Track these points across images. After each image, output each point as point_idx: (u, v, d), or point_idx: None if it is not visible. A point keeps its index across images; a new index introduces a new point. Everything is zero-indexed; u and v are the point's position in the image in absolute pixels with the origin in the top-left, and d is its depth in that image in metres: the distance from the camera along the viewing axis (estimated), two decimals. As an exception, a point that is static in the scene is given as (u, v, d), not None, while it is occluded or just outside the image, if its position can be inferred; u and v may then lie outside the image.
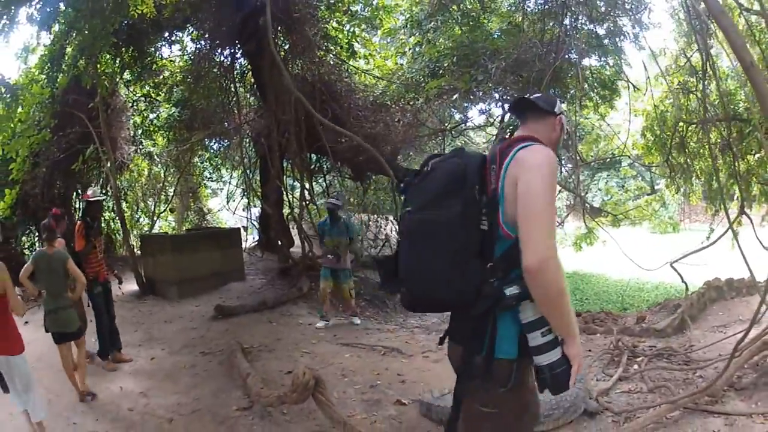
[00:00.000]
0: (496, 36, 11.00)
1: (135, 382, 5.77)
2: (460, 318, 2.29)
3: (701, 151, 11.45)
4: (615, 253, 10.14)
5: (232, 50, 10.51)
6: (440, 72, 10.75)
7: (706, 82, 8.88)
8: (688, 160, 11.47)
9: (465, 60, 10.31)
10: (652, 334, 7.47)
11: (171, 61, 11.99)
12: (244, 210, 13.75)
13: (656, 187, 13.87)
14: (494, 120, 13.26)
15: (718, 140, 10.86)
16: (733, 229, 7.11)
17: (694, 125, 10.95)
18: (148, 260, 10.14)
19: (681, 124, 11.06)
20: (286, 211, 11.59)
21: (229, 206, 14.24)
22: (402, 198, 2.37)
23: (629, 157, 14.43)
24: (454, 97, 11.21)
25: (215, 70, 10.92)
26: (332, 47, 11.08)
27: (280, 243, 11.16)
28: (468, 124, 14.12)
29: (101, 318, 6.28)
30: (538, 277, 1.94)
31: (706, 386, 4.68)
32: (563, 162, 13.81)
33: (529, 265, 1.93)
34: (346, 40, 11.24)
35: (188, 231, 12.99)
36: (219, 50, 10.67)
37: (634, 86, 10.98)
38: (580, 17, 10.39)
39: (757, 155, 10.21)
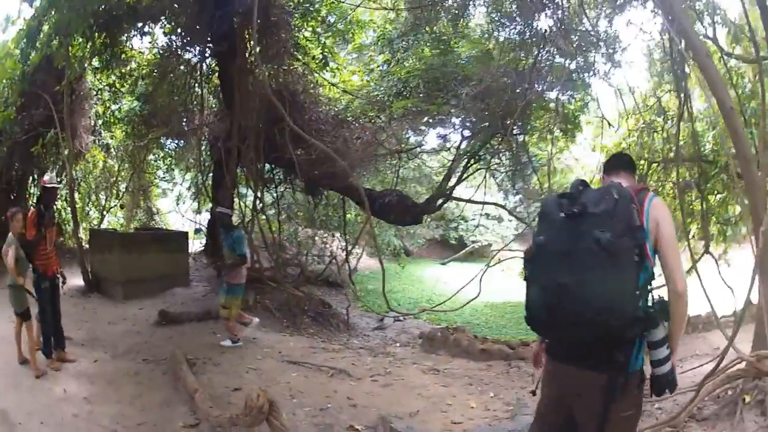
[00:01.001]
0: (465, 62, 11.37)
1: (78, 386, 5.60)
2: (595, 343, 2.59)
3: (661, 189, 12.10)
4: None
5: (202, 49, 10.38)
6: (408, 92, 11.01)
7: (677, 122, 9.49)
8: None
9: (435, 83, 10.62)
10: None
11: (140, 52, 11.80)
12: (193, 214, 13.67)
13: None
14: (451, 145, 13.68)
15: (681, 180, 11.57)
16: (696, 267, 7.40)
17: (656, 164, 11.59)
18: (96, 256, 9.90)
19: (642, 161, 11.69)
20: (236, 219, 11.47)
21: (178, 208, 14.11)
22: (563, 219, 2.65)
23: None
24: (425, 119, 11.50)
25: (182, 67, 10.80)
26: (302, 57, 11.06)
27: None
28: (424, 147, 14.41)
29: (45, 315, 6.08)
30: (683, 298, 2.62)
31: (671, 417, 4.91)
32: (516, 192, 14.33)
33: (679, 289, 2.61)
34: (319, 50, 11.32)
35: (136, 230, 12.80)
36: (189, 47, 10.53)
37: (609, 122, 11.52)
38: (552, 51, 10.89)
39: (719, 196, 10.94)
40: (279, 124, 9.98)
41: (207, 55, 10.49)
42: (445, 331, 9.52)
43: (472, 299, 10.52)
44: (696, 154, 10.29)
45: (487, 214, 26.28)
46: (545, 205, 2.84)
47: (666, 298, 2.65)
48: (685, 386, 5.13)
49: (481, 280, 10.56)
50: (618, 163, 3.15)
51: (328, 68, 11.73)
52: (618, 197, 2.58)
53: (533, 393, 3.08)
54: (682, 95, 8.90)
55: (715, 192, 10.96)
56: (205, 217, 13.10)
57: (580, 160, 16.01)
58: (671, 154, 10.79)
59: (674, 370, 2.70)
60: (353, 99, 11.85)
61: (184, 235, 11.29)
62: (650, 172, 11.78)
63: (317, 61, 10.85)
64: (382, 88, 11.38)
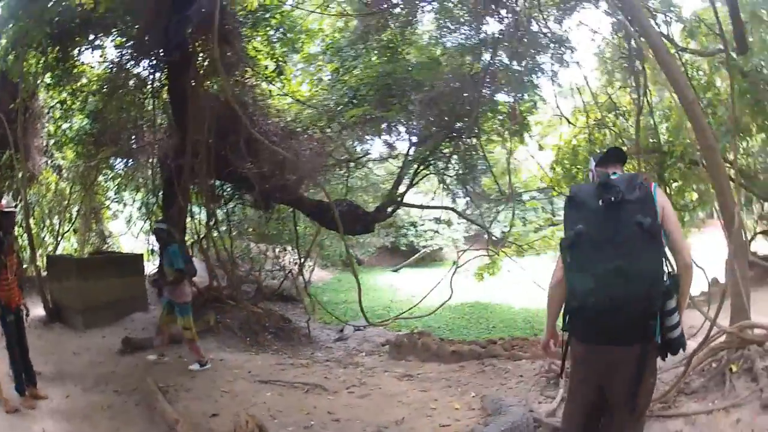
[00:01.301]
0: (413, 68, 11.38)
1: (55, 424, 5.28)
2: (631, 318, 2.90)
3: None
4: (517, 282, 10.70)
5: (153, 61, 10.02)
6: (359, 101, 10.94)
7: (636, 116, 9.81)
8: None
9: (387, 90, 10.60)
10: None
11: (91, 67, 11.27)
12: (145, 235, 13.16)
13: (560, 219, 14.80)
14: (399, 152, 13.67)
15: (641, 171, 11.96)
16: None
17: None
18: (54, 284, 9.33)
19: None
20: (188, 238, 11.16)
21: (130, 230, 13.57)
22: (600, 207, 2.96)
23: (538, 189, 15.36)
24: (378, 126, 11.46)
25: (131, 82, 10.39)
26: (252, 67, 10.82)
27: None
28: (371, 156, 14.37)
29: (13, 350, 5.65)
30: (690, 269, 3.09)
31: (662, 394, 5.04)
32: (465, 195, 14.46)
33: (688, 262, 3.07)
34: (272, 60, 11.11)
35: (91, 255, 12.18)
36: (140, 59, 10.13)
37: (569, 120, 11.77)
38: (500, 54, 11.05)
39: (675, 184, 11.33)
40: (230, 137, 9.76)
41: (158, 66, 10.08)
42: (412, 336, 9.44)
43: (445, 301, 10.60)
44: (654, 146, 10.64)
45: (437, 219, 26.50)
46: (578, 195, 3.10)
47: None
48: (668, 364, 5.26)
49: (450, 282, 10.68)
50: (613, 156, 3.54)
51: (282, 77, 11.52)
52: (643, 185, 3.00)
53: (559, 376, 3.95)
54: (641, 90, 9.17)
55: (671, 180, 11.34)
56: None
57: (528, 160, 16.30)
58: (624, 148, 11.15)
59: (683, 333, 3.07)
60: (303, 109, 11.69)
61: (138, 258, 10.83)
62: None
63: (270, 71, 10.60)
64: (333, 98, 11.26)
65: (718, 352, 5.40)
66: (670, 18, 9.49)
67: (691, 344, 5.45)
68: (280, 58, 11.22)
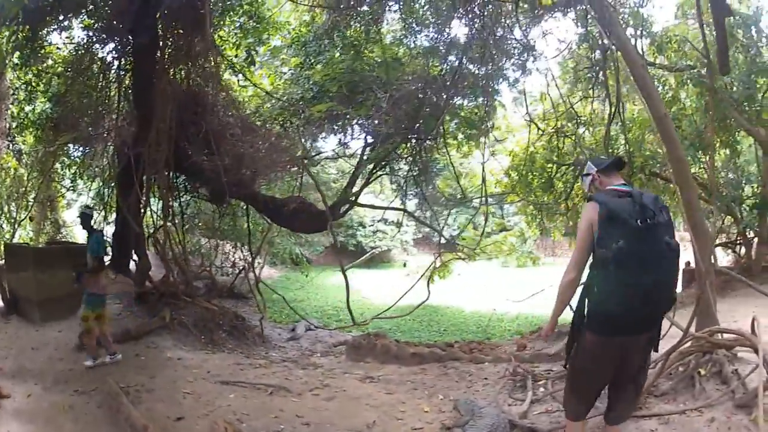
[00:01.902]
0: (375, 67, 11.24)
1: (20, 426, 4.93)
2: (654, 315, 3.62)
3: (570, 191, 12.67)
4: (468, 286, 10.72)
5: (120, 44, 9.42)
6: (323, 96, 10.71)
7: (606, 126, 9.95)
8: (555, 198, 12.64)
9: (353, 87, 10.41)
10: (544, 359, 7.98)
11: (58, 48, 10.53)
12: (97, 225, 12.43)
13: (511, 224, 15.04)
14: (354, 152, 13.51)
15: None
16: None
17: (565, 166, 12.11)
18: (11, 274, 8.68)
19: (550, 165, 12.16)
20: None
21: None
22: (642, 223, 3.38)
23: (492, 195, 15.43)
24: (346, 122, 11.24)
25: (95, 66, 9.72)
26: (219, 57, 10.33)
27: (137, 264, 10.28)
28: (326, 153, 14.17)
29: None
30: None
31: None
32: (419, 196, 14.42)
33: None
34: (245, 47, 10.68)
35: (47, 244, 11.37)
36: (107, 41, 9.49)
37: (538, 127, 11.82)
38: (464, 58, 11.03)
39: None
40: (190, 128, 9.36)
41: (124, 50, 9.49)
42: (370, 338, 9.24)
43: (423, 302, 10.52)
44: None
45: (385, 220, 26.44)
46: (619, 212, 3.41)
47: None
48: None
49: (428, 283, 10.56)
50: (617, 165, 3.99)
51: (252, 66, 11.13)
52: (666, 208, 3.55)
53: (565, 366, 4.08)
54: (614, 100, 9.33)
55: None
56: (110, 229, 11.98)
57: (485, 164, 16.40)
58: (581, 157, 11.35)
59: None
60: (263, 103, 11.35)
61: None
62: (557, 175, 12.30)
63: (236, 61, 10.21)
64: (299, 92, 10.98)
65: (686, 356, 5.55)
66: (641, 32, 9.66)
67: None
68: (253, 47, 10.83)
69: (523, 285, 14.91)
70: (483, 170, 11.91)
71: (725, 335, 5.74)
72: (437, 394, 6.78)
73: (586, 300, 3.66)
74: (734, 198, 11.89)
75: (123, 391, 5.56)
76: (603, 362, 3.68)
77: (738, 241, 12.95)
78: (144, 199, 9.97)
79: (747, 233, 12.85)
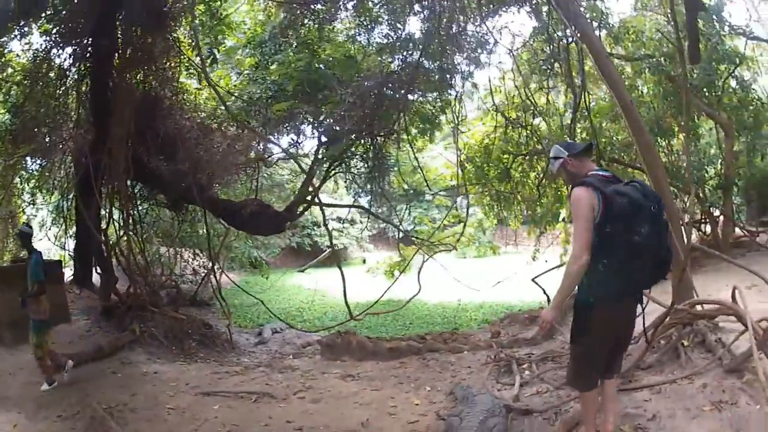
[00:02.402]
0: (329, 65, 11.06)
1: None
2: (649, 279, 4.03)
3: (525, 179, 12.82)
4: (428, 279, 10.67)
5: (77, 49, 8.89)
6: (281, 95, 10.45)
7: (572, 116, 10.05)
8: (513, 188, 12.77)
9: (313, 85, 10.19)
10: (523, 344, 8.11)
11: (17, 56, 9.86)
12: (58, 240, 11.75)
13: (469, 216, 15.09)
14: (309, 151, 13.29)
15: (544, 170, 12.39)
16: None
17: (521, 156, 12.23)
18: None
19: (506, 156, 12.25)
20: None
21: (47, 235, 12.06)
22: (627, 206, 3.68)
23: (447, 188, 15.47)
24: (310, 120, 10.98)
25: (52, 72, 9.12)
26: (177, 58, 9.95)
27: (101, 277, 9.78)
28: (280, 155, 13.86)
29: None
30: None
31: (623, 370, 5.15)
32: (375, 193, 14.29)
33: None
34: (205, 47, 10.25)
35: (12, 262, 10.61)
36: (63, 47, 8.86)
37: (507, 118, 11.79)
38: (418, 54, 10.95)
39: None
40: (148, 134, 8.96)
41: (83, 55, 8.93)
42: (344, 336, 9.06)
43: (414, 295, 10.63)
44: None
45: (340, 218, 26.15)
46: (638, 199, 3.70)
47: None
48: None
49: (418, 276, 10.61)
50: (590, 150, 4.29)
51: (216, 65, 10.72)
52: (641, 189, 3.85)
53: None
54: (579, 91, 9.46)
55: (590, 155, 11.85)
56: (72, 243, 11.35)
57: (438, 158, 16.43)
58: (539, 146, 11.51)
59: None
60: (218, 105, 10.98)
61: (58, 265, 9.49)
62: (514, 164, 12.42)
63: (205, 59, 9.81)
64: (257, 92, 10.66)
65: (668, 329, 5.77)
66: (599, 24, 9.82)
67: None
68: (212, 46, 10.43)
69: (483, 275, 15.01)
70: (458, 161, 11.88)
71: (706, 306, 5.93)
72: (424, 386, 6.73)
73: (595, 278, 3.78)
74: (697, 179, 12.20)
75: (109, 414, 5.22)
76: (615, 326, 3.99)
77: (703, 220, 13.30)
78: (108, 208, 9.46)
79: (711, 212, 13.32)
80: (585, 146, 4.15)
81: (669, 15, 11.74)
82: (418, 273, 10.43)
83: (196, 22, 9.53)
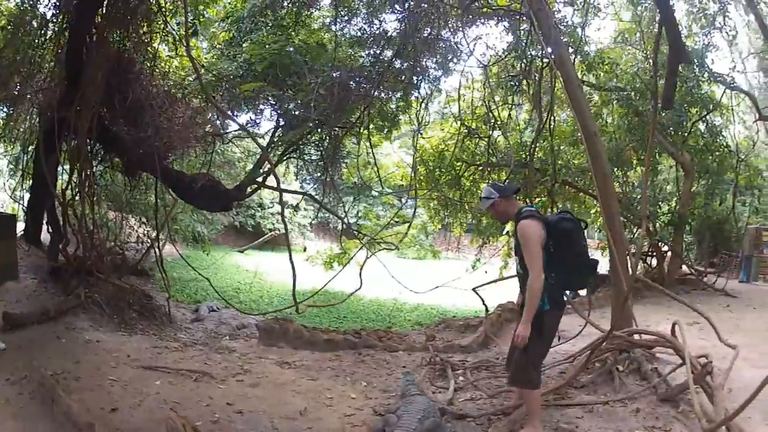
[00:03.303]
0: (301, 50, 10.99)
1: None
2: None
3: (476, 190, 13.05)
4: (366, 274, 10.79)
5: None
6: (251, 75, 10.35)
7: (535, 135, 10.29)
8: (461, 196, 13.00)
9: (285, 69, 10.12)
10: (458, 350, 8.30)
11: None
12: (12, 193, 11.19)
13: (415, 217, 15.33)
14: (266, 132, 13.24)
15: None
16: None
17: (474, 166, 12.45)
18: None
19: (460, 164, 12.46)
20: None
21: (4, 186, 11.45)
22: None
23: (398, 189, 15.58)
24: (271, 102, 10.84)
25: (35, 21, 8.68)
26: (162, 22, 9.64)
27: (51, 237, 9.46)
28: (235, 131, 13.69)
29: None
30: None
31: (558, 385, 5.70)
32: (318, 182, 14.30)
33: None
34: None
35: None
36: None
37: (468, 127, 11.89)
38: (386, 51, 11.04)
39: (538, 199, 12.18)
40: (116, 95, 8.73)
41: (66, 5, 8.54)
42: (282, 323, 9.06)
43: (355, 291, 10.90)
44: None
45: (285, 203, 25.89)
46: (575, 222, 4.81)
47: None
48: (549, 361, 6.27)
49: (360, 272, 10.70)
50: (518, 192, 5.54)
51: (196, 37, 10.47)
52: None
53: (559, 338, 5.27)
54: (547, 112, 9.71)
55: (537, 196, 12.13)
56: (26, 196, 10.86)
57: (390, 156, 16.48)
58: (493, 159, 11.78)
59: None
60: (187, 75, 10.77)
61: (11, 219, 8.93)
62: (467, 173, 12.66)
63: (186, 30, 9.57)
64: (230, 68, 10.50)
65: (604, 353, 6.03)
66: (575, 51, 10.09)
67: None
68: (196, 17, 10.20)
69: (421, 277, 15.22)
70: (414, 162, 11.99)
71: (644, 336, 6.26)
72: (360, 381, 6.87)
73: (547, 289, 4.50)
74: (650, 213, 12.68)
75: (55, 380, 5.14)
76: (556, 330, 4.85)
77: (651, 253, 13.85)
78: (68, 167, 9.14)
79: (660, 247, 13.82)
80: (515, 189, 5.27)
81: (647, 52, 12.30)
82: (361, 269, 10.46)
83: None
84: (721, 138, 13.59)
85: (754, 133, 16.52)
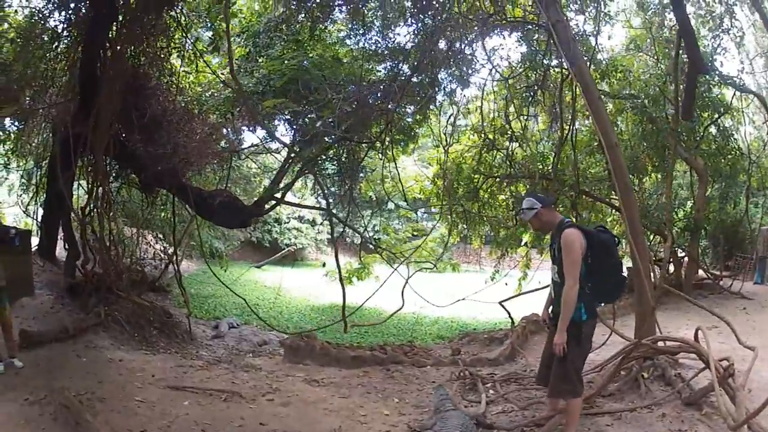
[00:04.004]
0: (318, 65, 10.72)
1: None
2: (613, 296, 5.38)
3: (493, 201, 12.75)
4: (386, 288, 10.50)
5: (74, 11, 8.21)
6: (271, 91, 10.07)
7: (558, 147, 9.99)
8: (480, 208, 12.69)
9: (306, 86, 9.86)
10: (485, 363, 8.09)
11: (16, 11, 9.08)
12: (29, 208, 10.94)
13: (433, 230, 14.98)
14: (280, 148, 12.88)
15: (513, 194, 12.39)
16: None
17: (492, 178, 12.16)
18: None
19: (477, 176, 12.17)
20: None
21: (20, 202, 11.21)
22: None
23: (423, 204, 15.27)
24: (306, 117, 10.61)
25: (46, 35, 8.40)
26: (173, 39, 9.40)
27: (68, 253, 9.15)
28: (254, 147, 13.40)
29: None
30: None
31: (588, 395, 5.50)
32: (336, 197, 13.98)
33: None
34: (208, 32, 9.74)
35: None
36: (61, 8, 8.15)
37: (490, 139, 11.59)
38: (403, 65, 10.75)
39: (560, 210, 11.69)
40: (133, 111, 8.45)
41: (81, 18, 8.27)
42: (308, 340, 8.75)
43: (397, 310, 10.52)
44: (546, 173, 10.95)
45: (301, 217, 25.63)
46: (611, 235, 4.83)
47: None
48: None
49: (402, 291, 10.39)
50: (555, 202, 5.46)
51: (217, 53, 10.23)
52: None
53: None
54: (569, 125, 9.48)
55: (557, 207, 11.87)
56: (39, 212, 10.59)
57: (405, 170, 16.20)
58: (510, 170, 11.48)
59: None
60: (204, 90, 10.52)
61: (26, 234, 8.62)
62: (485, 185, 12.37)
63: (208, 45, 9.28)
64: (250, 84, 10.22)
65: (629, 361, 5.96)
66: (589, 59, 9.83)
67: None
68: (218, 33, 9.95)
69: (441, 290, 14.86)
70: (444, 176, 11.70)
71: (668, 343, 6.28)
72: (391, 397, 6.64)
73: (583, 299, 4.53)
74: (666, 220, 12.41)
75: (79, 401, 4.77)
76: (591, 339, 4.84)
77: (669, 260, 13.57)
78: (89, 184, 8.87)
79: (676, 253, 13.52)
80: (554, 200, 5.64)
81: (658, 57, 12.01)
82: (403, 288, 10.30)
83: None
84: (732, 141, 13.36)
85: (765, 134, 16.17)
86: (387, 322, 14.15)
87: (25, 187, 11.33)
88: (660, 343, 6.28)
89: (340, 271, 8.78)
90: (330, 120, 9.83)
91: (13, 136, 10.57)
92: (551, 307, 5.00)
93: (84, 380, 5.64)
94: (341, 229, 14.07)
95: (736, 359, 5.47)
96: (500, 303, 9.55)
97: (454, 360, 8.30)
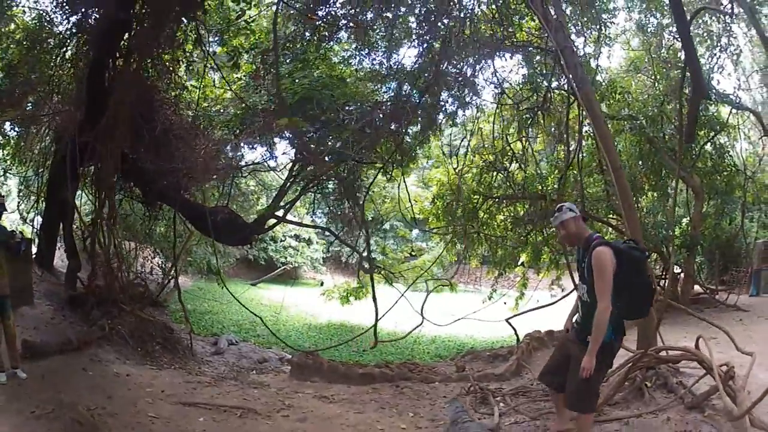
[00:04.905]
0: (324, 85, 10.49)
1: None
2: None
3: (491, 221, 12.50)
4: (383, 308, 10.20)
5: (85, 19, 7.87)
6: (282, 109, 9.80)
7: (564, 170, 9.81)
8: (479, 228, 12.44)
9: (318, 105, 9.59)
10: (492, 379, 7.93)
11: (23, 12, 8.74)
12: (29, 215, 10.42)
13: (430, 250, 14.68)
14: (284, 166, 12.77)
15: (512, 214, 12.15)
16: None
17: (493, 199, 11.93)
18: None
19: (475, 196, 11.94)
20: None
21: (19, 209, 10.69)
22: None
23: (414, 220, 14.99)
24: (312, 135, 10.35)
25: (53, 39, 8.11)
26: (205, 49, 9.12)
27: (69, 264, 8.68)
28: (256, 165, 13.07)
29: None
30: None
31: (597, 404, 5.34)
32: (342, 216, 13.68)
33: None
34: (227, 48, 9.40)
35: None
36: (71, 14, 7.85)
37: (494, 160, 11.37)
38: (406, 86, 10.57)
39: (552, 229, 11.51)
40: (141, 124, 8.10)
41: (91, 25, 7.87)
42: (316, 357, 8.43)
43: (416, 327, 10.54)
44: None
45: (297, 236, 25.16)
46: (641, 251, 4.52)
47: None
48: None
49: (422, 309, 10.44)
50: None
51: (237, 69, 9.94)
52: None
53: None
54: (576, 148, 9.43)
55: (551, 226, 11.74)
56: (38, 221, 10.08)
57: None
58: (510, 191, 11.29)
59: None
60: (211, 106, 10.21)
61: (27, 243, 7.99)
62: (485, 206, 12.16)
63: (230, 61, 8.91)
64: (261, 102, 9.94)
65: (632, 371, 6.00)
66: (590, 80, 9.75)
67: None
68: (235, 50, 9.66)
69: (438, 309, 14.54)
70: (457, 194, 11.45)
71: (670, 353, 6.31)
72: (406, 412, 6.47)
73: (613, 318, 4.21)
74: (664, 238, 12.30)
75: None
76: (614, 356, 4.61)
77: (664, 276, 13.39)
78: (96, 196, 8.45)
79: (673, 269, 13.39)
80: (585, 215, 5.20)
81: (655, 76, 11.96)
82: (422, 307, 10.24)
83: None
84: (728, 157, 13.34)
85: (760, 149, 16.23)
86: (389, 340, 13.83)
87: (23, 194, 10.83)
88: (663, 353, 6.29)
89: (374, 289, 8.45)
90: (339, 141, 9.62)
91: (12, 141, 10.10)
92: (576, 316, 4.72)
93: (92, 395, 5.26)
94: (335, 248, 13.84)
95: (735, 366, 5.48)
96: (507, 320, 9.49)
97: (462, 376, 8.18)
